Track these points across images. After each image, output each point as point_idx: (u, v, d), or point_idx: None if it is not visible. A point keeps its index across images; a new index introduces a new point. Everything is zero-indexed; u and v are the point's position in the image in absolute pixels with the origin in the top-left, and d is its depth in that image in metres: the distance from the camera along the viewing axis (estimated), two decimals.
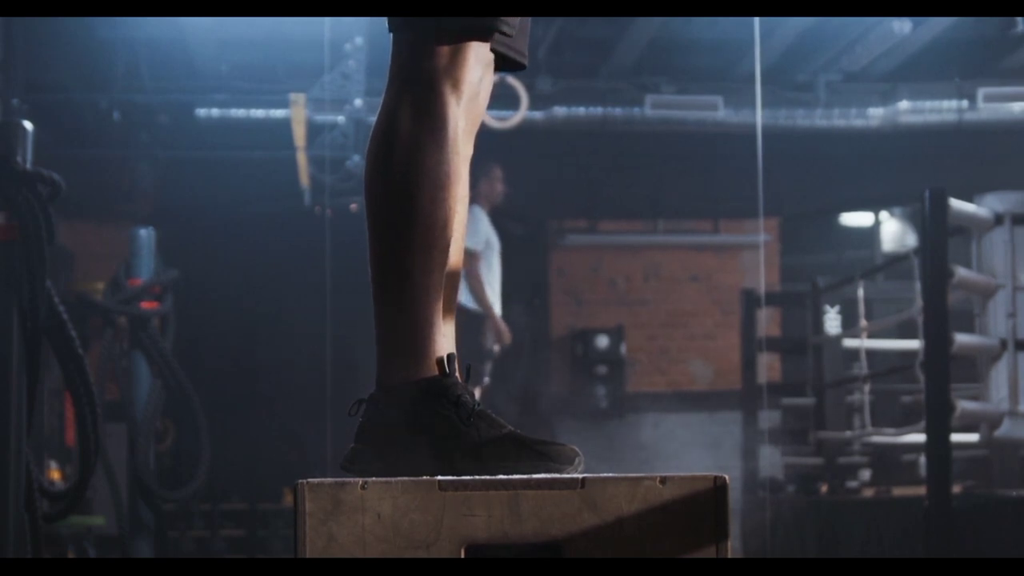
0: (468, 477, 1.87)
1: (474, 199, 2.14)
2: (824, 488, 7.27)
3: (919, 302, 5.59)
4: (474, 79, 2.17)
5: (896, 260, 7.80)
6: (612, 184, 11.20)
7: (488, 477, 1.89)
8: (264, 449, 10.24)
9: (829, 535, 6.40)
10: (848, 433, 7.07)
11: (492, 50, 2.21)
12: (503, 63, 2.27)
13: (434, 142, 2.11)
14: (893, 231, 11.58)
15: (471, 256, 7.62)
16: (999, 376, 5.70)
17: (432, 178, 2.11)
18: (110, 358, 6.66)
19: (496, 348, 8.03)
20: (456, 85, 2.14)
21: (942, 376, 5.23)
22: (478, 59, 2.17)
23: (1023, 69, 9.91)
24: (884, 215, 11.60)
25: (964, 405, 5.41)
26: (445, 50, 2.13)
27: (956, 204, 5.42)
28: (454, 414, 2.07)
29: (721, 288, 11.50)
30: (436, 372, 2.10)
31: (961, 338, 5.38)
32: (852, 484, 7.16)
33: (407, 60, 2.15)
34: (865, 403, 6.72)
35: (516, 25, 2.23)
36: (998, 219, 5.70)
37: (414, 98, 2.13)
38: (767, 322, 9.66)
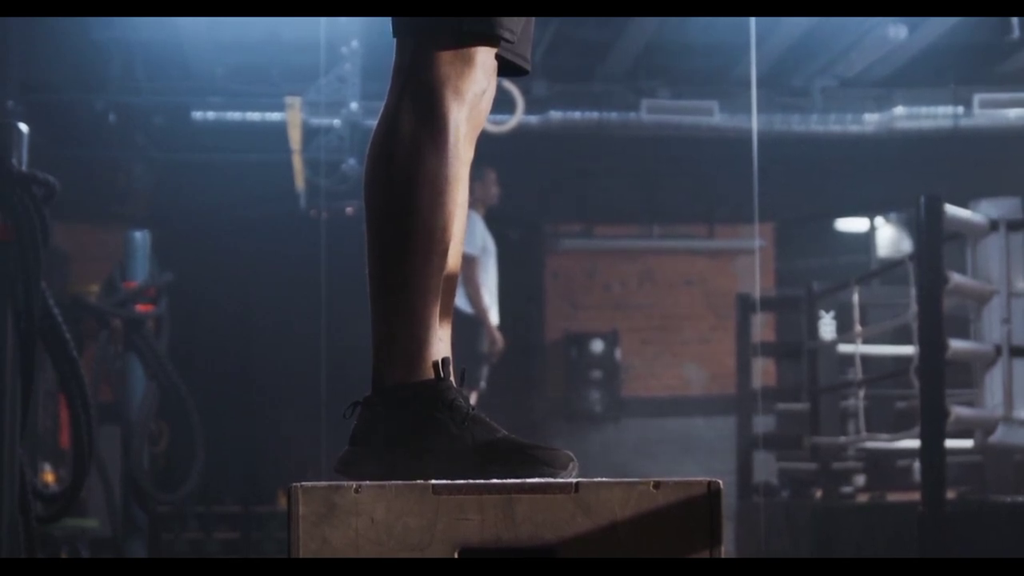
0: (462, 481, 1.87)
1: (469, 203, 2.13)
2: (819, 493, 7.26)
3: (914, 307, 5.59)
4: (478, 87, 2.17)
5: (891, 266, 7.80)
6: (607, 188, 11.20)
7: (482, 481, 1.88)
8: (258, 451, 10.22)
9: (823, 540, 6.40)
10: (843, 438, 7.06)
11: (495, 56, 2.21)
12: (505, 68, 2.27)
13: (435, 146, 2.11)
14: (888, 236, 11.56)
15: (468, 261, 7.60)
16: (993, 382, 5.69)
17: (432, 182, 2.11)
18: (105, 360, 6.66)
19: (491, 354, 8.02)
20: (458, 90, 2.13)
21: (937, 382, 5.23)
22: (482, 67, 2.17)
23: (1019, 75, 9.92)
24: (879, 220, 11.58)
25: (959, 411, 5.41)
26: (448, 55, 2.13)
27: (951, 210, 5.42)
28: (448, 418, 2.07)
29: (716, 293, 11.51)
30: (431, 376, 2.10)
31: (956, 344, 5.38)
32: (847, 489, 7.15)
33: (410, 64, 2.15)
34: (860, 408, 6.70)
35: (518, 31, 2.23)
36: (993, 225, 5.70)
37: (416, 102, 2.13)
38: (762, 327, 9.65)
